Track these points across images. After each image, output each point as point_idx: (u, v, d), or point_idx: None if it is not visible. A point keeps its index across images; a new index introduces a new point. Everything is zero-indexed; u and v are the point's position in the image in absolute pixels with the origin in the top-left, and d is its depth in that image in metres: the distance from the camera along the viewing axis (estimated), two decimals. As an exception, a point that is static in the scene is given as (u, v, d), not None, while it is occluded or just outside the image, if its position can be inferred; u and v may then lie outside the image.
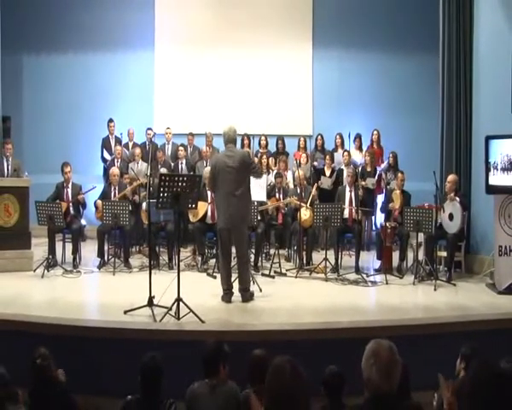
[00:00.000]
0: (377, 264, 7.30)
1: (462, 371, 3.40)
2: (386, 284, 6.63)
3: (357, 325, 4.91)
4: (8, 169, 7.90)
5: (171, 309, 5.10)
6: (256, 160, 9.11)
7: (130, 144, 9.72)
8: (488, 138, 6.40)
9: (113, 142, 9.68)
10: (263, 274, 6.99)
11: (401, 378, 2.51)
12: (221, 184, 5.77)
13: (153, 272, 5.67)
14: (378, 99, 10.18)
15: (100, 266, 7.38)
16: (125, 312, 5.20)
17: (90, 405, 4.09)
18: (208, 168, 7.91)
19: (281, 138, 9.73)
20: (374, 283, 6.75)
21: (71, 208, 7.72)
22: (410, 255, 7.28)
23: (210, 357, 3.53)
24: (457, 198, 6.84)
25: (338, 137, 9.69)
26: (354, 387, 3.11)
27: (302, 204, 7.65)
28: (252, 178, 6.02)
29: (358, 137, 9.64)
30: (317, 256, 7.68)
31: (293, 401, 2.40)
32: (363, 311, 5.72)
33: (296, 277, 6.99)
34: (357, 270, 7.09)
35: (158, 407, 3.36)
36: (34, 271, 6.99)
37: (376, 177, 9.00)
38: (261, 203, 7.59)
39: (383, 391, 2.42)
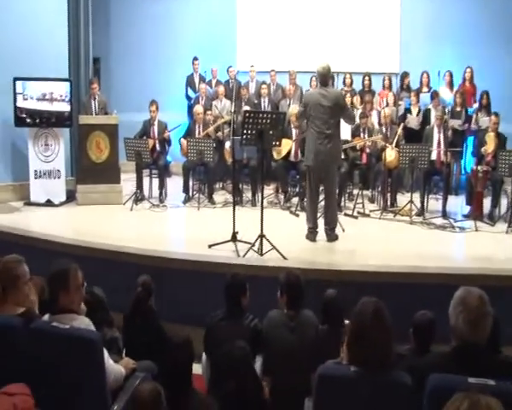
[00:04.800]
0: (466, 209, 6.97)
1: None
2: (476, 230, 6.31)
3: (446, 271, 4.72)
4: (95, 107, 8.18)
5: (254, 245, 5.18)
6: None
7: (214, 82, 9.73)
8: None
9: (197, 80, 9.72)
10: (346, 214, 6.91)
11: (491, 331, 2.39)
12: (312, 122, 5.64)
13: (236, 208, 5.73)
14: (472, 33, 9.35)
15: (185, 202, 7.59)
16: (210, 246, 5.35)
17: (175, 332, 4.27)
18: (294, 106, 7.84)
19: (368, 76, 9.33)
20: (462, 229, 6.45)
21: (157, 145, 7.93)
22: (504, 202, 6.88)
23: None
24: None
25: (425, 75, 9.13)
26: (439, 334, 3.04)
27: (387, 144, 7.40)
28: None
29: (449, 73, 9.04)
30: (402, 198, 7.45)
31: (376, 342, 2.39)
32: (449, 257, 5.54)
33: (380, 218, 6.85)
34: (445, 214, 6.82)
35: (241, 322, 3.50)
36: (124, 204, 7.32)
37: (465, 117, 8.43)
38: (345, 142, 7.41)
39: (469, 342, 2.33)
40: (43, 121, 7.48)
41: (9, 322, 2.89)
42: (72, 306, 2.85)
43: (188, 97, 9.77)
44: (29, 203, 7.46)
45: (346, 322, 2.75)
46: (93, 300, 3.42)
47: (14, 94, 7.35)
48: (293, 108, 7.69)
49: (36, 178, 7.51)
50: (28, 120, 7.44)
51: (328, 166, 5.68)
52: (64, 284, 2.81)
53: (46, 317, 2.89)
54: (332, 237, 5.78)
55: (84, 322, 2.85)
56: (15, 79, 7.32)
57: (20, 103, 7.39)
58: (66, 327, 2.74)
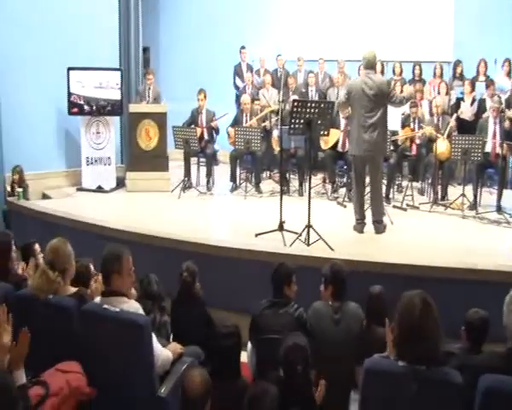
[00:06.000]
0: (523, 204, 6.71)
1: None
2: (533, 226, 6.07)
3: (499, 267, 4.51)
4: (149, 97, 8.31)
5: (301, 235, 5.15)
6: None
7: (262, 71, 9.70)
8: None
9: (244, 69, 9.73)
10: (394, 206, 6.77)
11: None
12: (356, 111, 5.54)
13: (283, 197, 5.65)
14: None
15: (232, 190, 7.64)
16: (256, 235, 5.35)
17: (221, 319, 4.32)
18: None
19: (418, 65, 9.08)
20: (518, 224, 6.22)
21: (205, 134, 7.98)
22: None
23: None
24: None
25: (482, 64, 8.78)
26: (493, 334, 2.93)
27: (439, 135, 7.19)
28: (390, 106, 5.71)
29: (508, 61, 8.66)
30: (453, 191, 7.22)
31: (424, 336, 2.33)
32: (503, 254, 5.29)
33: (430, 211, 6.66)
34: (499, 209, 6.55)
35: (286, 311, 3.49)
36: (171, 192, 7.42)
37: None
38: (394, 133, 7.26)
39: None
40: (100, 109, 7.72)
41: (63, 303, 2.99)
42: (124, 289, 2.92)
43: (236, 86, 9.79)
44: (81, 189, 7.72)
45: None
46: (148, 285, 3.51)
47: (68, 83, 7.56)
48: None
49: (88, 164, 7.76)
50: (86, 107, 7.68)
51: (374, 157, 5.56)
52: (117, 267, 2.88)
53: (98, 299, 2.97)
54: (380, 229, 5.68)
55: (133, 306, 2.91)
56: (69, 69, 7.53)
57: (79, 91, 7.62)
58: (117, 310, 2.81)
